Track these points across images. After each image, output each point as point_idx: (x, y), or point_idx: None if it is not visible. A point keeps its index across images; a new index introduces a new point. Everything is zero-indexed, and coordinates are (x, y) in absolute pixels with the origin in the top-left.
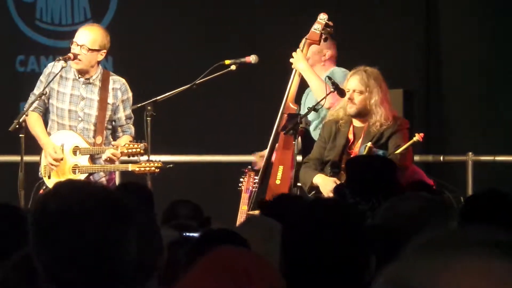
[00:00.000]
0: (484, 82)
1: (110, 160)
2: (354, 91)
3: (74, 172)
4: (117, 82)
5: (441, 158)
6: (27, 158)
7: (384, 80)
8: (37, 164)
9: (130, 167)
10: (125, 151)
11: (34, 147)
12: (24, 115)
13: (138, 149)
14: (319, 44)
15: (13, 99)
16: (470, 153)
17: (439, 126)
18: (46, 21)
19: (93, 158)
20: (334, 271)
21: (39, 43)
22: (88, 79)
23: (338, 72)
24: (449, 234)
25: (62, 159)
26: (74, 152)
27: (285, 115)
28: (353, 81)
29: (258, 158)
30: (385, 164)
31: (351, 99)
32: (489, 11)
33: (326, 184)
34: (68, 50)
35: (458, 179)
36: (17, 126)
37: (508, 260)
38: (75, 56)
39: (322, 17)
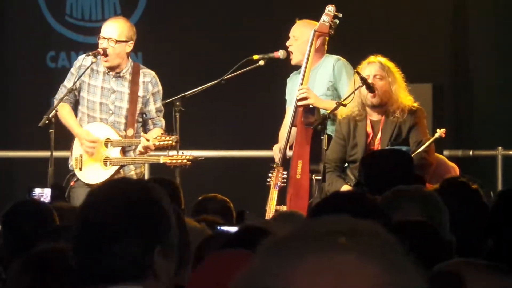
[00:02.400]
0: None
1: (143, 151)
2: (375, 76)
3: (106, 164)
4: (148, 75)
5: (471, 153)
6: (57, 154)
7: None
8: (67, 160)
9: (162, 159)
10: (157, 143)
11: (64, 143)
12: (54, 110)
13: (170, 141)
14: (328, 36)
15: (44, 95)
16: (500, 147)
17: (468, 120)
18: (76, 17)
19: (124, 151)
20: None
21: (69, 39)
22: (119, 73)
23: (344, 64)
24: (295, 230)
25: (97, 142)
26: (106, 144)
27: (300, 109)
28: (372, 67)
29: (276, 149)
30: (401, 156)
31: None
32: None
33: None
34: (98, 45)
35: (487, 173)
36: (47, 121)
37: (350, 253)
38: (104, 51)
39: (330, 9)
